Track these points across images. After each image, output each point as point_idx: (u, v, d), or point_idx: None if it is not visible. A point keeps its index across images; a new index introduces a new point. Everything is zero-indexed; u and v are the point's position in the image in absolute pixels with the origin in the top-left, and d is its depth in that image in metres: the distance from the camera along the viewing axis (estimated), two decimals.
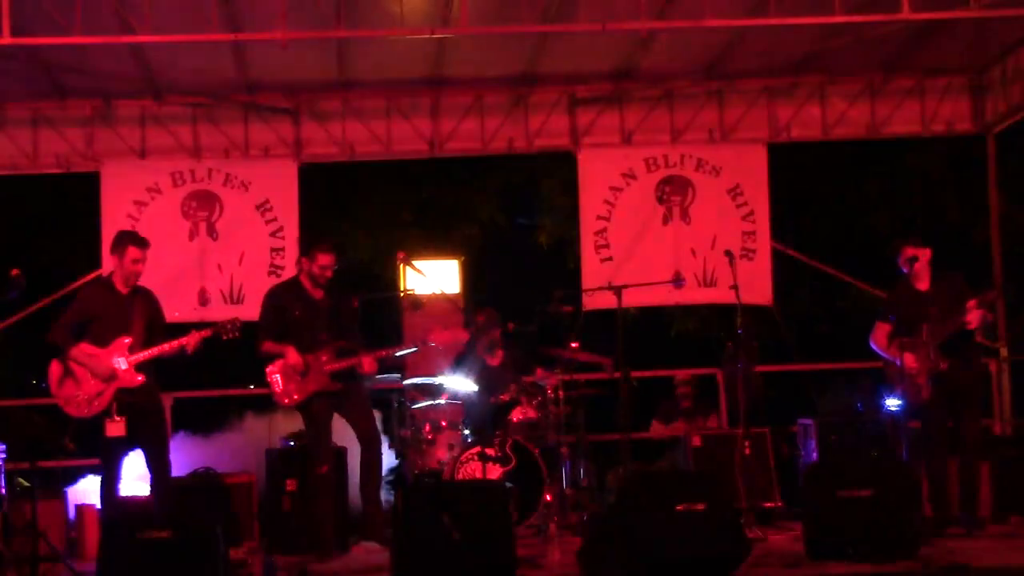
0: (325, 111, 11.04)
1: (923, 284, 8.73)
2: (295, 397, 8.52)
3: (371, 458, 8.63)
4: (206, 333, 8.21)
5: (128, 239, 8.29)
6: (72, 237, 14.27)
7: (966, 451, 8.73)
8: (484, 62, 10.53)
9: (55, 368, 8.10)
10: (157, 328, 8.29)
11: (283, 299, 8.70)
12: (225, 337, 8.30)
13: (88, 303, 8.24)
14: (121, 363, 8.05)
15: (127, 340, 8.09)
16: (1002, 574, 7.30)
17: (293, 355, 8.46)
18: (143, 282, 8.35)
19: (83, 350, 8.06)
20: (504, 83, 11.02)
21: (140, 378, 8.08)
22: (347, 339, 8.62)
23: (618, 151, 11.18)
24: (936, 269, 8.76)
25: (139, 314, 8.16)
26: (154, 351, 8.10)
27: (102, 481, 8.14)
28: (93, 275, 10.70)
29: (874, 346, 8.92)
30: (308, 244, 8.83)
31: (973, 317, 8.45)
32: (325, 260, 8.59)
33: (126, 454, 8.18)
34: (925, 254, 8.71)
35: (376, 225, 15.07)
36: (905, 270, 8.73)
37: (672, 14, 9.33)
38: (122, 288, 8.20)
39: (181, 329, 8.41)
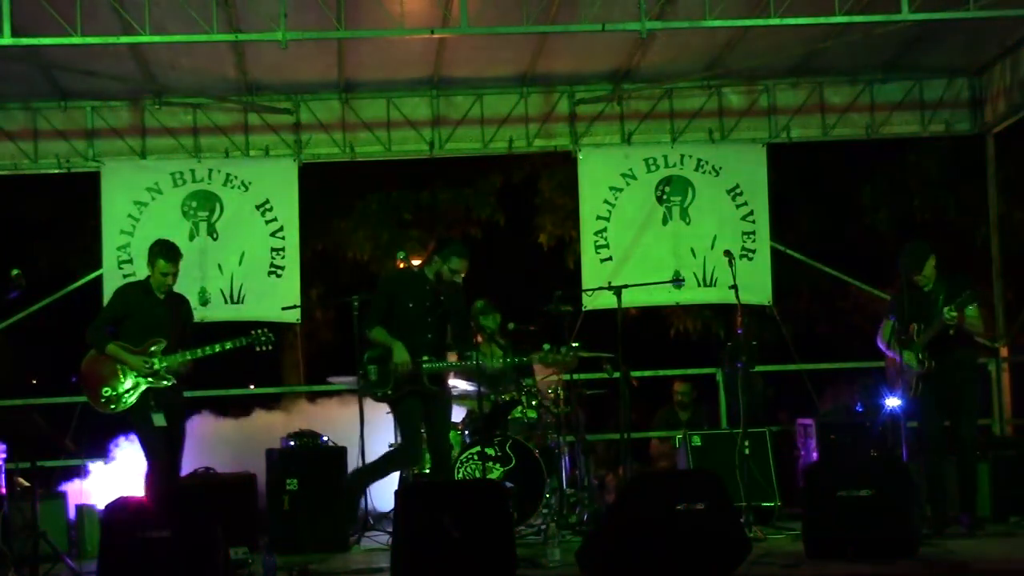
0: (325, 111, 11.04)
1: (929, 285, 8.73)
2: (388, 392, 8.52)
3: (442, 469, 8.61)
4: (240, 343, 8.41)
5: (158, 251, 8.43)
6: (72, 237, 14.27)
7: (964, 452, 8.73)
8: (484, 62, 10.54)
9: (91, 364, 8.29)
10: (188, 334, 8.51)
11: (401, 288, 8.63)
12: (259, 349, 8.46)
13: (124, 303, 8.44)
14: (155, 363, 8.22)
15: (162, 342, 8.28)
16: (1002, 574, 7.31)
17: (401, 354, 8.41)
18: None
19: (120, 347, 8.26)
20: (504, 83, 11.02)
21: (172, 382, 8.29)
22: (458, 342, 8.65)
23: (618, 151, 11.18)
24: (943, 270, 8.76)
25: (174, 319, 8.39)
26: (187, 356, 8.28)
27: (152, 471, 8.26)
28: (93, 275, 10.75)
29: (878, 342, 8.94)
30: (444, 248, 8.67)
31: (950, 318, 8.45)
32: (458, 266, 8.55)
33: (170, 445, 8.35)
34: (928, 269, 8.68)
35: (376, 225, 15.07)
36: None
37: (672, 14, 9.34)
38: (159, 293, 8.41)
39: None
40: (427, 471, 8.85)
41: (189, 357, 8.28)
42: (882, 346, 8.96)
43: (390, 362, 8.43)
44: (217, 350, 8.34)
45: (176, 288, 8.57)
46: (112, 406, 8.24)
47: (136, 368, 8.21)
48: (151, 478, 8.28)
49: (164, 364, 8.25)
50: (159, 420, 8.20)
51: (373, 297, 8.70)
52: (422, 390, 8.46)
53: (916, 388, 8.63)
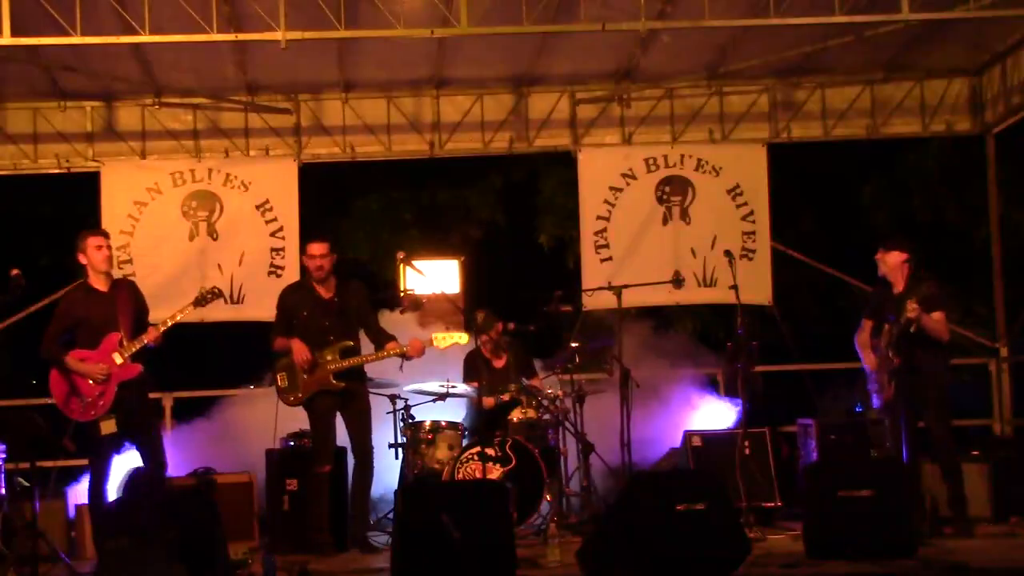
0: (325, 111, 11.05)
1: (898, 286, 8.74)
2: (299, 395, 8.58)
3: (362, 470, 8.65)
4: (187, 312, 8.27)
5: (85, 233, 8.34)
6: (72, 237, 14.23)
7: (938, 453, 8.70)
8: (484, 62, 10.54)
9: (55, 379, 8.08)
10: (145, 318, 8.29)
11: (291, 299, 8.77)
12: (210, 300, 8.36)
13: (70, 309, 8.19)
14: (116, 359, 8.03)
15: (117, 335, 8.06)
16: (1001, 574, 7.30)
17: (299, 349, 8.49)
18: (139, 281, 8.40)
19: (75, 356, 8.04)
20: (504, 83, 11.03)
21: (139, 367, 8.07)
22: (369, 334, 8.69)
23: (618, 151, 11.19)
24: (916, 273, 8.75)
25: (123, 307, 8.13)
26: (143, 338, 8.05)
27: (91, 481, 8.12)
28: None
29: (856, 343, 8.94)
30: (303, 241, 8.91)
31: (911, 310, 8.38)
32: (313, 249, 8.65)
33: (117, 452, 8.21)
34: (890, 258, 8.71)
35: (376, 225, 15.06)
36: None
37: (672, 14, 9.35)
38: (101, 286, 8.19)
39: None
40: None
41: (146, 340, 8.02)
42: (856, 346, 8.95)
43: (296, 363, 8.52)
44: (169, 324, 8.10)
45: (176, 288, 8.52)
46: (92, 412, 8.00)
47: (94, 375, 7.99)
48: (90, 487, 8.10)
49: (127, 355, 8.02)
50: (107, 426, 7.98)
51: (276, 312, 8.78)
52: (330, 389, 8.52)
53: (888, 387, 8.62)
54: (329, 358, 8.55)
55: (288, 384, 8.59)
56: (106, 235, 8.33)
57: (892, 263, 8.73)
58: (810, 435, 9.93)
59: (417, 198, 15.34)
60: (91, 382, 8.01)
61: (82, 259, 8.26)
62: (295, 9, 8.74)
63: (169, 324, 8.13)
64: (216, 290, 8.49)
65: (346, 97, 11.00)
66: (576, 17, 9.19)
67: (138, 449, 8.18)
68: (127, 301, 8.20)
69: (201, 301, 8.35)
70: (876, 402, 8.77)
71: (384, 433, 9.33)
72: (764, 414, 10.19)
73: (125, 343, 8.06)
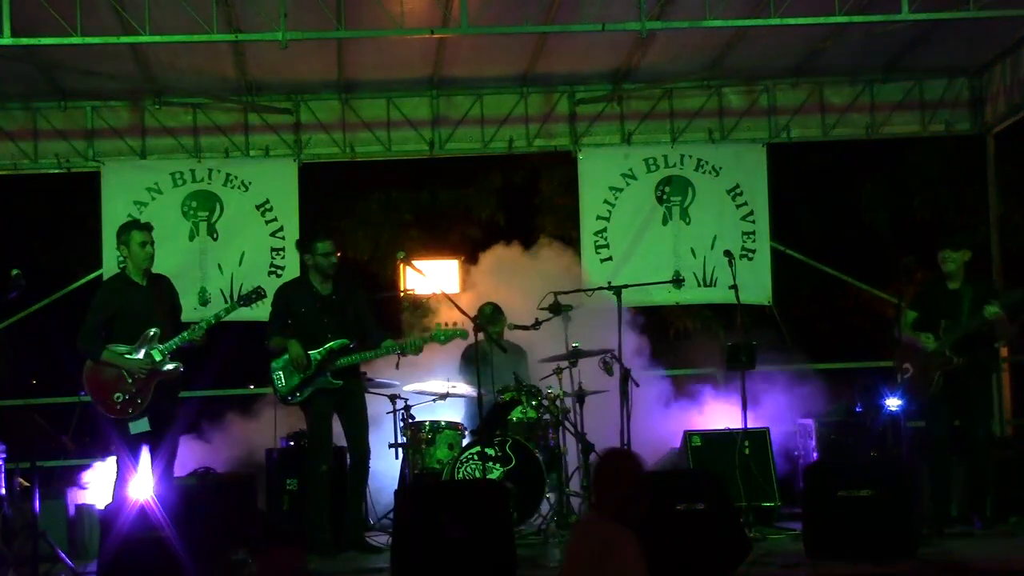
0: (325, 111, 11.05)
1: (955, 284, 8.77)
2: (297, 394, 8.56)
3: (359, 470, 8.64)
4: (233, 307, 8.34)
5: (131, 226, 8.26)
6: (72, 237, 14.27)
7: (979, 453, 8.75)
8: (484, 62, 10.54)
9: (91, 374, 7.99)
10: (177, 314, 8.26)
11: (290, 296, 8.74)
12: (255, 299, 8.37)
13: (109, 301, 8.13)
14: (155, 355, 7.97)
15: (155, 331, 7.99)
16: (1002, 574, 7.30)
17: (296, 349, 8.48)
18: None
19: (114, 351, 7.98)
20: (504, 83, 11.03)
21: (178, 365, 8.03)
22: (365, 332, 8.66)
23: (618, 151, 11.19)
24: (972, 272, 8.83)
25: (160, 303, 8.10)
26: (184, 335, 8.00)
27: (118, 478, 8.01)
28: (93, 275, 10.74)
29: (902, 334, 8.86)
30: (305, 240, 8.92)
31: (992, 314, 8.49)
32: (325, 247, 8.64)
33: (146, 447, 8.05)
34: (960, 256, 8.74)
35: (376, 225, 15.08)
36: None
37: (672, 14, 9.34)
38: (139, 279, 8.13)
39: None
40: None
41: (188, 337, 7.99)
42: (904, 336, 8.90)
43: (292, 363, 8.51)
44: (213, 322, 8.11)
45: (177, 288, 8.48)
46: (130, 410, 7.91)
47: (135, 371, 7.93)
48: (116, 484, 8.00)
49: (166, 352, 7.98)
50: (138, 427, 7.90)
51: (270, 312, 8.76)
52: (327, 387, 8.51)
53: (936, 384, 8.63)
54: (326, 357, 8.55)
55: (285, 384, 8.57)
56: (150, 229, 8.24)
57: (960, 261, 8.76)
58: (810, 435, 9.92)
59: (417, 198, 15.35)
60: (129, 379, 7.95)
61: (123, 251, 8.20)
62: (295, 9, 8.74)
63: (213, 322, 8.13)
64: (260, 290, 8.46)
65: (346, 97, 11.00)
66: (576, 17, 9.19)
67: (151, 449, 8.03)
68: (164, 297, 8.16)
69: (246, 300, 8.36)
70: (908, 403, 8.71)
71: (384, 433, 9.33)
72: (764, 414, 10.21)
73: (163, 339, 7.99)
